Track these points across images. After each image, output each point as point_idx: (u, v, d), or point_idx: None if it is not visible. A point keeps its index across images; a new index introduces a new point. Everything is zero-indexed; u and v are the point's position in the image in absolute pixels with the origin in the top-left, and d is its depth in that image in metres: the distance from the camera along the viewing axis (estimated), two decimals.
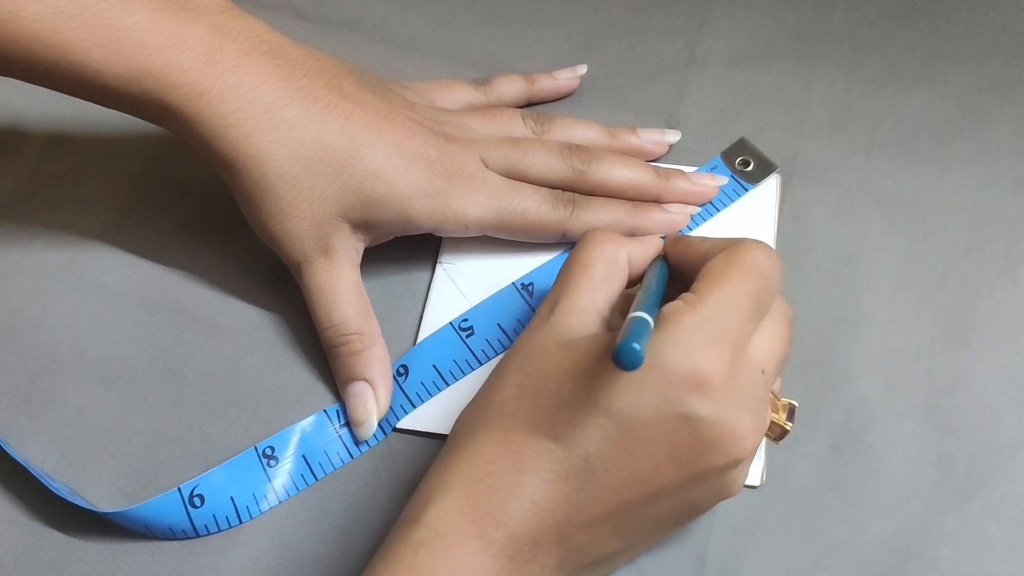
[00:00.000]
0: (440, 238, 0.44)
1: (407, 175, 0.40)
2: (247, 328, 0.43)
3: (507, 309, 0.42)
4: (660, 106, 0.48)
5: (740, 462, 0.32)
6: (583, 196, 0.43)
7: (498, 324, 0.42)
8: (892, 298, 0.42)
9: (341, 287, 0.41)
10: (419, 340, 0.42)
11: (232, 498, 0.39)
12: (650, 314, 0.31)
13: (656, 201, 0.44)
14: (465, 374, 0.41)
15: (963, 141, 0.46)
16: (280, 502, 0.39)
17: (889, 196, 0.45)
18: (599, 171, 0.43)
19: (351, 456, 0.40)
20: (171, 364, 0.42)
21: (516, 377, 0.33)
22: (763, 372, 0.33)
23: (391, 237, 0.43)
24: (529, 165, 0.42)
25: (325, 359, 0.42)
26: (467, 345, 0.41)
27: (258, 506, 0.39)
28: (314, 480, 0.40)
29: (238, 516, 0.39)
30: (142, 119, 0.40)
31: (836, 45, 0.49)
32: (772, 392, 0.35)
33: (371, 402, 0.40)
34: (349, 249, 0.41)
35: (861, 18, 0.50)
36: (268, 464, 0.40)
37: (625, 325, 0.30)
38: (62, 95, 0.39)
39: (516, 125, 0.45)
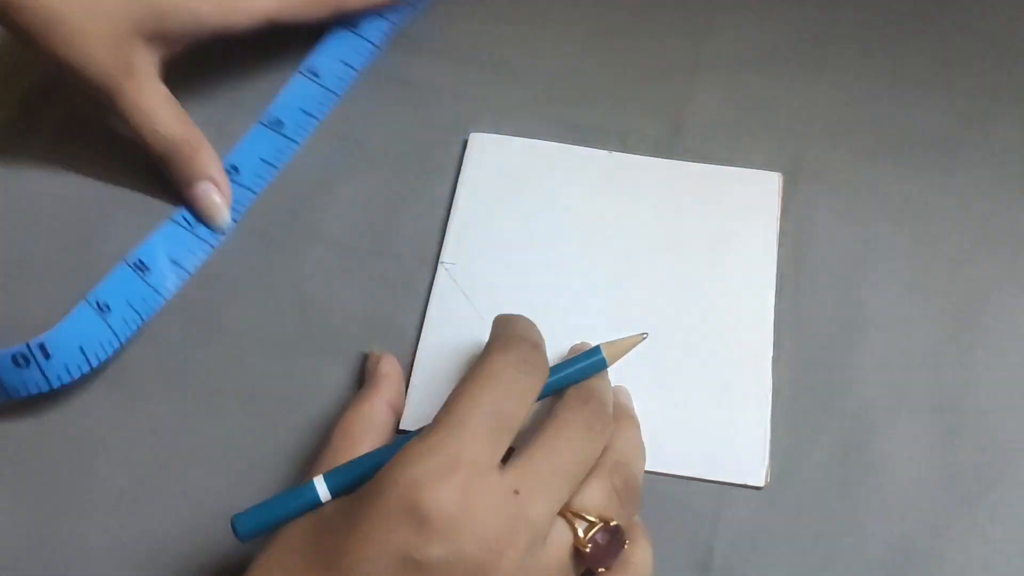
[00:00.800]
0: None
1: None
2: (250, 329, 0.43)
3: None
4: (665, 108, 0.48)
5: None
6: None
7: None
8: (898, 303, 0.42)
9: (157, 101, 0.42)
10: (422, 339, 0.42)
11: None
12: (330, 484, 0.31)
13: None
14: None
15: (970, 146, 0.46)
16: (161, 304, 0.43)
17: (895, 200, 0.45)
18: None
19: (212, 247, 0.44)
20: (175, 364, 0.42)
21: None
22: (517, 492, 0.29)
23: (184, 47, 0.43)
24: None
25: (332, 358, 0.42)
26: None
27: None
28: (187, 275, 0.43)
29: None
30: None
31: (842, 48, 0.49)
32: (570, 508, 0.31)
33: (218, 196, 0.43)
34: (150, 65, 0.42)
35: (867, 22, 0.50)
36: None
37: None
38: None
39: None
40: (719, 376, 0.40)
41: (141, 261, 0.43)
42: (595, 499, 0.31)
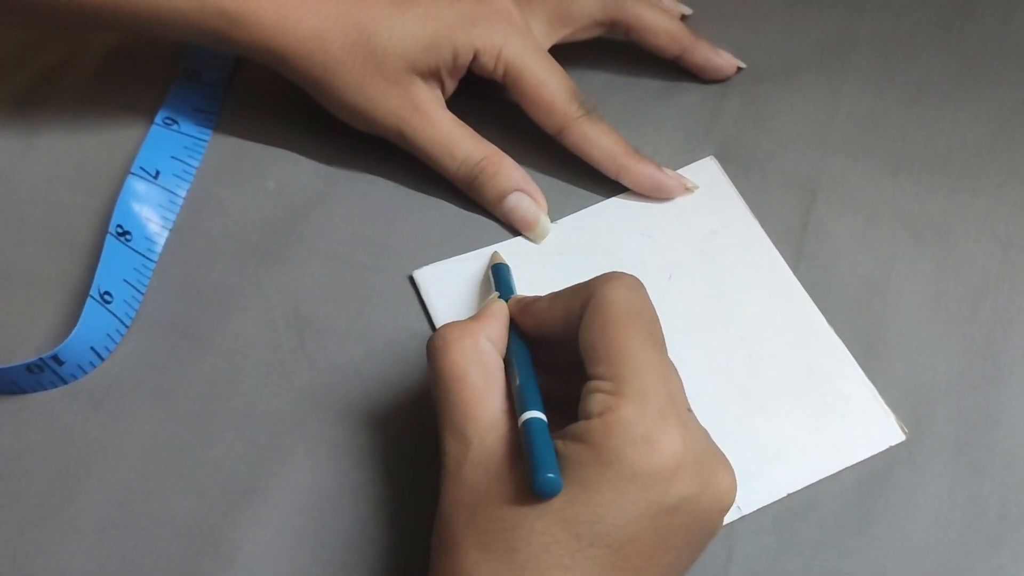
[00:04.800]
0: None
1: (452, 9, 0.42)
2: (242, 346, 0.41)
3: None
4: (682, 122, 0.46)
5: (730, 507, 0.31)
6: (596, 113, 0.43)
7: None
8: (920, 329, 0.40)
9: (448, 129, 0.43)
10: None
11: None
12: (536, 407, 0.31)
13: (680, 57, 0.46)
14: None
15: (995, 164, 0.44)
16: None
17: (918, 220, 0.43)
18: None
19: (181, 197, 0.45)
20: (163, 382, 0.40)
21: (474, 538, 0.31)
22: (689, 411, 0.32)
23: (457, 82, 0.43)
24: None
25: (329, 378, 0.40)
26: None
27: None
28: (167, 230, 0.44)
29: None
30: (200, 41, 0.42)
31: (863, 60, 0.47)
32: None
33: (532, 204, 0.43)
34: (433, 97, 0.43)
35: (890, 32, 0.48)
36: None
37: (526, 445, 0.30)
38: None
39: None
40: (796, 366, 0.39)
41: (120, 226, 0.43)
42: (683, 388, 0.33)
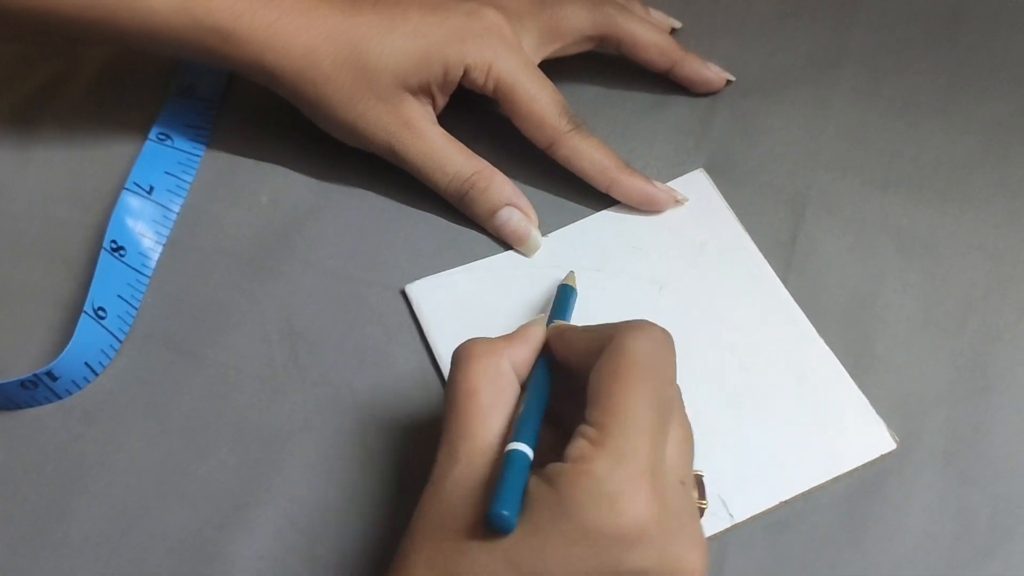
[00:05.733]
0: None
1: (443, 25, 0.42)
2: (236, 361, 0.41)
3: None
4: (672, 135, 0.47)
5: None
6: (585, 127, 0.44)
7: None
8: (909, 341, 0.41)
9: (438, 145, 0.43)
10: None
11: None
12: (526, 440, 0.30)
13: (670, 70, 0.47)
14: None
15: (984, 176, 0.44)
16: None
17: (906, 233, 0.43)
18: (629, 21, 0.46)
19: (175, 212, 0.45)
20: (157, 397, 0.41)
21: (427, 554, 0.30)
22: (683, 483, 0.30)
23: (448, 98, 0.44)
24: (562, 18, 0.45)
25: (322, 392, 0.40)
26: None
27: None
28: (160, 245, 0.44)
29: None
30: (192, 58, 0.43)
31: (853, 73, 0.48)
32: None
33: (523, 219, 0.43)
34: (424, 112, 0.43)
35: (879, 45, 0.49)
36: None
37: (499, 475, 0.29)
38: None
39: None
40: (787, 375, 0.40)
41: (115, 242, 0.43)
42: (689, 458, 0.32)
